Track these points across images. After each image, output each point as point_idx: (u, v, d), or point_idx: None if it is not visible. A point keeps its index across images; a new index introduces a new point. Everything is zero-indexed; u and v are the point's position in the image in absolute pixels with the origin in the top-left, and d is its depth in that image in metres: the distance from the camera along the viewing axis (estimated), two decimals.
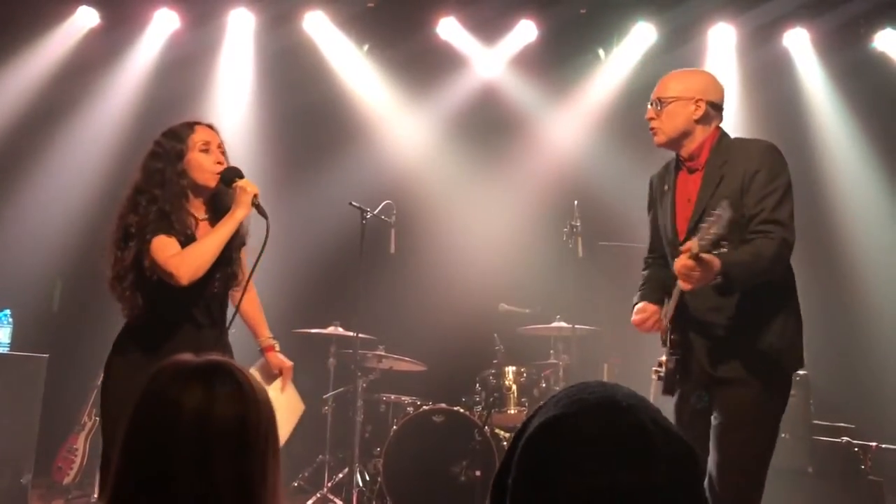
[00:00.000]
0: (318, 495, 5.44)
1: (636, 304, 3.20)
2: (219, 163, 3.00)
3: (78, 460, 5.43)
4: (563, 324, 5.56)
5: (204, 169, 2.96)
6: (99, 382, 2.96)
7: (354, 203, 5.18)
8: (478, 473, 5.01)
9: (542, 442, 1.00)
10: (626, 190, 6.66)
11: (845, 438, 4.59)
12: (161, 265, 2.80)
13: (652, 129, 3.04)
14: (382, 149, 7.00)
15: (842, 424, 4.77)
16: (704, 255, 2.59)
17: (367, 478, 5.48)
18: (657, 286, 3.19)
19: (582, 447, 0.97)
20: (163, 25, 6.77)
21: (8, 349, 5.15)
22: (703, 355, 2.91)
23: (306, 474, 5.80)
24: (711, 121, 3.00)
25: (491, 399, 5.44)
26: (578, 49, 7.13)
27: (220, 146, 3.04)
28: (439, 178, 6.91)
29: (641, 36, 6.92)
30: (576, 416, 1.00)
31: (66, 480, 5.42)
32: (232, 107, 6.91)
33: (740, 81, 6.86)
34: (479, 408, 5.47)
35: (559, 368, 5.57)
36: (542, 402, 1.09)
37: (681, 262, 2.65)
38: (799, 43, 6.87)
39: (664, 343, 3.06)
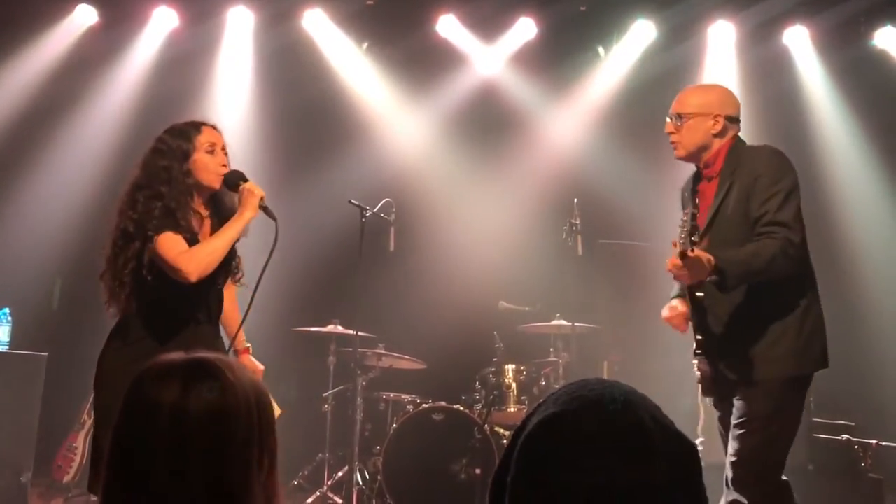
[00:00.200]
0: (318, 494, 5.44)
1: (672, 297, 3.36)
2: (223, 164, 3.01)
3: (78, 459, 5.42)
4: (562, 322, 5.56)
5: (209, 170, 2.98)
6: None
7: (354, 201, 5.17)
8: (477, 471, 5.01)
9: (542, 439, 1.00)
10: (626, 188, 6.68)
11: (845, 436, 4.59)
12: (170, 262, 2.80)
13: (672, 142, 3.18)
14: (382, 147, 6.99)
15: (842, 422, 4.77)
16: (693, 253, 2.73)
17: (367, 476, 5.48)
18: None
19: (581, 444, 0.97)
20: (161, 23, 6.75)
21: (7, 347, 5.15)
22: (723, 355, 3.03)
23: (306, 473, 5.80)
24: (728, 133, 3.13)
25: (491, 397, 5.44)
26: (578, 47, 7.12)
27: (224, 148, 3.06)
28: (439, 176, 6.91)
29: (641, 33, 6.91)
30: (575, 413, 1.00)
31: (66, 479, 5.42)
32: (231, 105, 6.90)
33: (740, 79, 6.85)
34: (479, 406, 5.47)
35: (559, 366, 5.56)
36: (541, 400, 1.08)
37: (670, 262, 2.86)
38: (799, 40, 6.86)
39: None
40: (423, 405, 5.32)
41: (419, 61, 7.02)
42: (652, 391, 1.08)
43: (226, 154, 3.05)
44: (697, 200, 3.19)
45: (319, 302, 6.27)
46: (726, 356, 3.04)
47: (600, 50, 7.13)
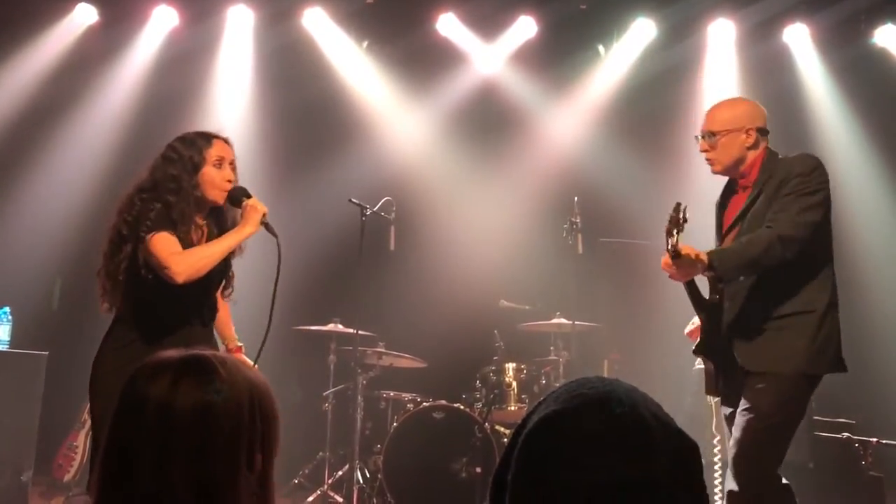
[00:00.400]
0: (319, 492, 5.44)
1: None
2: (229, 180, 3.01)
3: (78, 457, 5.42)
4: (563, 320, 5.56)
5: (215, 185, 2.98)
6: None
7: (354, 200, 5.16)
8: (478, 470, 5.01)
9: (542, 437, 1.00)
10: (627, 186, 6.68)
11: (846, 434, 4.59)
12: (161, 260, 2.80)
13: (708, 160, 3.27)
14: (382, 145, 6.99)
15: (842, 420, 4.76)
16: (683, 251, 2.89)
17: (368, 474, 5.47)
18: None
19: (582, 442, 0.97)
20: (161, 22, 6.74)
21: (8, 347, 5.15)
22: (739, 352, 3.11)
23: (306, 471, 5.80)
24: (760, 144, 3.22)
25: (491, 396, 5.43)
26: (578, 45, 7.12)
27: (233, 163, 3.06)
28: (439, 175, 6.90)
29: (641, 32, 6.91)
30: (576, 411, 1.00)
31: (67, 477, 5.42)
32: (231, 104, 6.90)
33: (740, 77, 6.85)
34: (480, 404, 5.47)
35: (559, 365, 5.56)
36: (542, 399, 1.08)
37: (663, 261, 3.02)
38: (799, 38, 6.86)
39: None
40: (424, 404, 5.32)
41: (419, 60, 7.01)
42: (652, 389, 1.08)
43: (234, 169, 3.05)
44: (727, 209, 3.31)
45: (320, 301, 6.27)
46: (742, 353, 3.10)
47: (600, 48, 7.13)
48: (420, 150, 7.02)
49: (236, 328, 3.42)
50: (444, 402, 5.32)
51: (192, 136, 3.03)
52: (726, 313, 3.16)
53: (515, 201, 6.88)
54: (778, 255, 2.96)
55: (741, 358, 3.10)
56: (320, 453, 5.68)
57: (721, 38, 6.90)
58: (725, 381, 3.19)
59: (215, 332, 3.25)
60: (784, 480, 3.10)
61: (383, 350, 5.68)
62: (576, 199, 5.32)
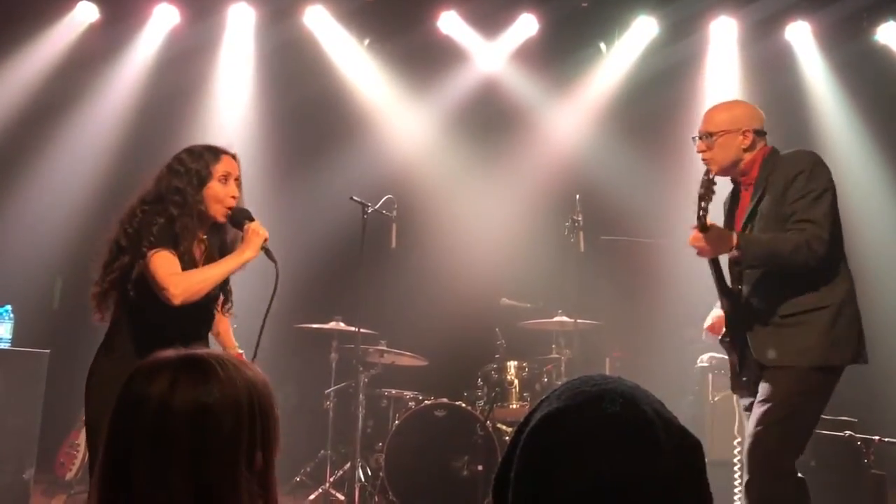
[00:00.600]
0: (320, 490, 5.44)
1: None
2: (233, 196, 2.99)
3: (80, 455, 5.43)
4: (564, 318, 5.55)
5: (219, 200, 2.96)
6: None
7: (355, 198, 5.16)
8: (480, 468, 5.01)
9: (545, 435, 0.99)
10: (628, 184, 6.67)
11: (848, 432, 4.58)
12: (159, 280, 2.78)
13: (704, 160, 3.31)
14: (383, 143, 6.98)
15: (845, 418, 4.75)
16: (714, 227, 2.98)
17: (369, 472, 5.48)
18: None
19: (584, 440, 0.96)
20: (163, 20, 6.74)
21: (9, 345, 5.15)
22: (756, 343, 3.17)
23: (308, 469, 5.80)
24: (757, 145, 3.27)
25: (493, 394, 5.43)
26: (579, 43, 7.11)
27: (238, 179, 3.04)
28: (440, 173, 6.90)
29: (643, 29, 6.90)
30: (578, 408, 1.00)
31: (69, 476, 5.42)
32: (232, 102, 6.90)
33: (742, 75, 6.85)
34: (481, 402, 5.47)
35: (561, 363, 5.56)
36: (544, 396, 1.08)
37: (692, 236, 3.06)
38: (801, 36, 6.85)
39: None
40: (425, 402, 5.32)
41: (421, 58, 7.01)
42: (654, 388, 1.08)
43: (239, 185, 3.03)
44: (737, 209, 3.35)
45: (321, 299, 6.27)
46: (756, 347, 3.16)
47: (602, 46, 7.13)
48: (421, 148, 7.02)
49: (231, 324, 3.40)
50: (445, 400, 5.31)
51: (200, 150, 3.00)
52: (744, 304, 3.22)
53: (517, 199, 6.87)
54: (802, 261, 3.03)
55: (755, 351, 3.16)
56: (322, 451, 5.68)
57: (723, 35, 6.89)
58: (745, 371, 3.24)
59: (216, 345, 3.25)
60: (799, 475, 3.12)
61: (385, 348, 5.68)
62: (577, 196, 5.31)
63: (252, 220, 3.01)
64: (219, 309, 3.12)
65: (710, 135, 3.27)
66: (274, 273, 3.02)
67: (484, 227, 6.81)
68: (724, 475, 4.80)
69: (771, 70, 6.82)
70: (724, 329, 3.34)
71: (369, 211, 5.17)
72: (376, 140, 6.98)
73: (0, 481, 4.60)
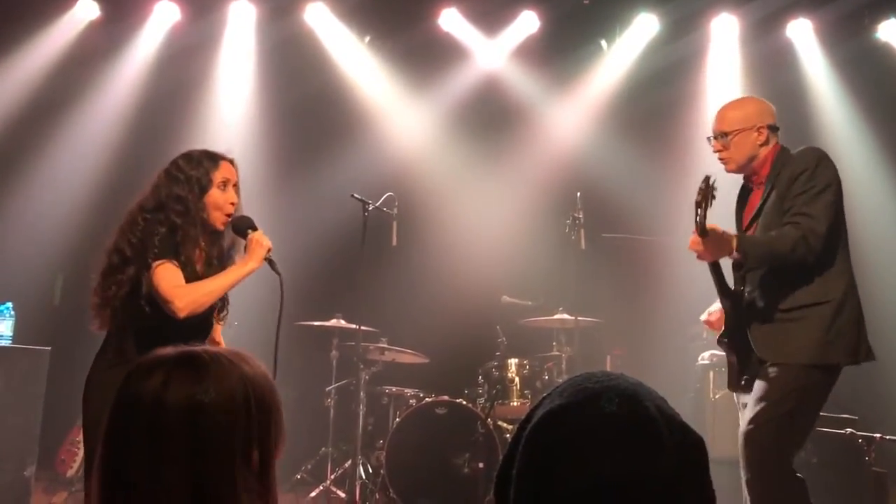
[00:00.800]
0: (321, 487, 5.45)
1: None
2: (232, 203, 2.98)
3: (81, 453, 5.42)
4: (565, 316, 5.55)
5: (218, 207, 2.95)
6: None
7: (356, 195, 5.15)
8: (480, 465, 5.01)
9: (547, 431, 0.99)
10: (629, 181, 6.67)
11: (849, 430, 4.57)
12: (163, 293, 2.78)
13: (722, 159, 3.33)
14: (384, 141, 6.98)
15: (846, 416, 4.75)
16: (713, 231, 2.97)
17: (370, 470, 5.48)
18: None
19: (587, 437, 0.96)
20: (163, 18, 6.74)
21: (10, 342, 5.15)
22: (756, 341, 3.18)
23: (309, 467, 5.80)
24: (771, 141, 3.30)
25: (494, 391, 5.43)
26: (580, 40, 7.10)
27: (236, 185, 3.02)
28: (441, 171, 6.90)
29: (644, 27, 6.90)
30: (581, 405, 0.99)
31: (70, 473, 5.42)
32: (233, 99, 6.90)
33: (743, 73, 6.84)
34: (482, 400, 5.47)
35: (562, 360, 5.56)
36: (546, 393, 1.07)
37: (691, 240, 3.06)
38: (802, 33, 6.85)
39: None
40: (426, 399, 5.32)
41: (421, 55, 7.00)
42: (655, 385, 1.07)
43: (237, 191, 3.02)
44: (746, 207, 3.38)
45: (322, 296, 6.27)
46: (758, 343, 3.17)
47: (603, 43, 7.12)
48: (422, 146, 7.01)
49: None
50: (446, 397, 5.32)
51: (199, 156, 2.97)
52: (746, 302, 3.23)
53: (518, 197, 6.87)
54: (801, 256, 3.03)
55: (757, 347, 3.17)
56: (323, 449, 5.69)
57: (724, 33, 6.89)
58: (745, 370, 3.24)
59: None
60: (798, 474, 3.11)
61: (386, 346, 5.68)
62: (578, 194, 5.31)
63: (255, 229, 3.00)
64: (214, 316, 3.12)
65: (725, 134, 3.29)
66: (278, 278, 2.99)
67: (485, 224, 6.81)
68: (725, 472, 4.79)
69: (772, 67, 6.81)
70: (722, 326, 3.34)
71: (370, 208, 5.16)
72: (377, 137, 6.97)
73: (1, 479, 4.60)
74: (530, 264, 6.39)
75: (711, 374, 5.46)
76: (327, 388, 5.72)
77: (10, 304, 5.20)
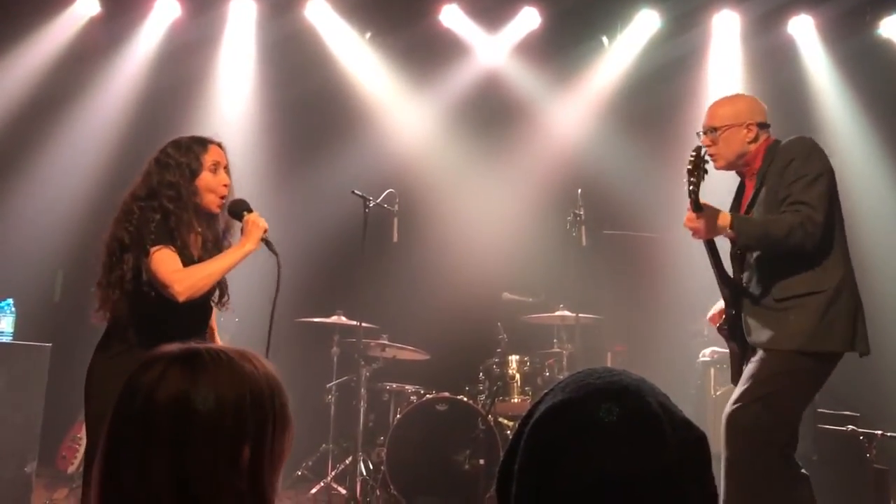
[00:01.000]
0: (322, 484, 5.45)
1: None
2: (225, 185, 3.00)
3: (82, 449, 5.42)
4: (566, 312, 5.55)
5: (211, 190, 2.96)
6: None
7: (357, 192, 5.15)
8: (481, 462, 5.01)
9: (550, 427, 0.99)
10: (630, 178, 6.66)
11: (850, 427, 4.57)
12: (162, 278, 2.79)
13: (710, 155, 3.31)
14: (385, 137, 6.97)
15: (847, 413, 4.75)
16: (707, 206, 3.00)
17: (371, 466, 5.48)
18: None
19: (589, 432, 0.96)
20: (164, 14, 6.74)
21: (11, 338, 5.15)
22: (750, 329, 3.19)
23: (310, 463, 5.81)
24: (760, 138, 3.30)
25: (494, 388, 5.43)
26: (582, 36, 7.09)
27: (227, 167, 3.04)
28: (442, 167, 6.89)
29: (645, 23, 6.89)
30: (583, 400, 0.99)
31: (71, 469, 5.43)
32: (234, 95, 6.89)
33: (745, 69, 6.83)
34: (483, 397, 5.47)
35: (563, 357, 5.56)
36: (548, 389, 1.07)
37: (686, 218, 3.07)
38: (804, 30, 6.84)
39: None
40: (427, 396, 5.32)
41: (422, 51, 6.99)
42: (655, 382, 1.07)
43: (228, 173, 3.03)
44: (742, 201, 3.36)
45: (323, 293, 6.27)
46: (753, 328, 3.17)
47: (604, 40, 7.11)
48: (423, 142, 7.01)
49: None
50: (447, 394, 5.31)
51: (187, 142, 2.99)
52: (743, 291, 3.23)
53: (519, 193, 6.86)
54: (797, 243, 3.02)
55: (749, 335, 3.18)
56: (323, 445, 5.69)
57: (725, 29, 6.88)
58: (746, 358, 3.23)
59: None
60: (803, 471, 3.09)
61: (386, 342, 5.68)
62: (579, 191, 5.31)
63: (251, 211, 3.02)
64: (215, 303, 3.13)
65: (714, 129, 3.30)
66: (276, 267, 3.01)
67: (485, 221, 6.80)
68: None
69: (773, 64, 6.80)
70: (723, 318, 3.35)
71: (371, 205, 5.16)
72: (378, 134, 6.97)
73: (2, 475, 4.60)
74: (531, 261, 6.38)
75: (712, 370, 5.46)
76: (328, 385, 5.72)
77: (10, 301, 5.20)
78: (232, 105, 6.80)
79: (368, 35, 7.06)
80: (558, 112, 7.13)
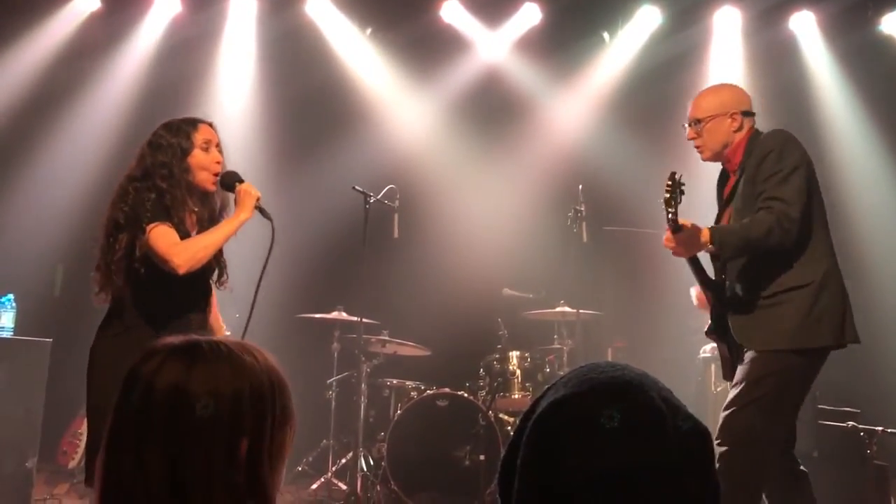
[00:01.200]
0: (323, 479, 5.45)
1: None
2: (217, 162, 3.03)
3: (83, 444, 5.43)
4: (567, 308, 5.55)
5: (204, 168, 3.00)
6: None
7: (357, 187, 5.14)
8: (482, 458, 5.01)
9: (552, 422, 0.99)
10: (631, 174, 6.65)
11: (851, 423, 4.57)
12: (161, 253, 2.81)
13: (696, 147, 3.32)
14: (385, 133, 6.97)
15: (847, 409, 4.75)
16: (685, 227, 2.97)
17: (371, 462, 5.48)
18: None
19: (592, 427, 0.96)
20: (164, 10, 6.73)
21: (11, 333, 5.15)
22: (737, 329, 3.15)
23: (310, 459, 5.81)
24: (745, 127, 3.27)
25: (495, 384, 5.43)
26: (583, 32, 7.08)
27: (219, 145, 3.07)
28: (443, 163, 6.88)
29: (646, 19, 6.88)
30: (585, 395, 0.99)
31: (72, 464, 5.43)
32: (234, 92, 6.88)
33: (746, 65, 6.82)
34: (483, 392, 5.47)
35: (563, 353, 5.57)
36: (549, 384, 1.07)
37: (665, 238, 3.08)
38: (805, 26, 6.83)
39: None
40: (428, 391, 5.32)
41: (423, 47, 6.98)
42: (657, 377, 1.07)
43: (220, 151, 3.06)
44: (724, 195, 3.35)
45: (323, 288, 6.27)
46: (738, 330, 3.14)
47: (605, 35, 7.10)
48: (424, 138, 7.00)
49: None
50: (447, 389, 5.31)
51: (177, 123, 3.03)
52: (727, 292, 3.21)
53: (519, 189, 6.86)
54: (777, 241, 2.99)
55: (737, 335, 3.15)
56: (324, 441, 5.69)
57: (727, 25, 6.87)
58: (736, 360, 3.20)
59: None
60: (802, 467, 3.09)
61: (387, 338, 5.68)
62: (580, 187, 5.30)
63: (242, 181, 3.05)
64: (214, 281, 3.14)
65: (699, 121, 3.28)
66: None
67: (486, 217, 6.80)
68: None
69: (775, 60, 6.79)
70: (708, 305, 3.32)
71: (371, 201, 5.15)
72: (378, 130, 6.96)
73: (3, 470, 4.60)
74: (532, 257, 6.38)
75: (713, 366, 5.46)
76: (328, 381, 5.72)
77: (11, 296, 5.20)
78: (232, 101, 6.79)
79: (369, 31, 7.05)
80: (559, 108, 7.12)
